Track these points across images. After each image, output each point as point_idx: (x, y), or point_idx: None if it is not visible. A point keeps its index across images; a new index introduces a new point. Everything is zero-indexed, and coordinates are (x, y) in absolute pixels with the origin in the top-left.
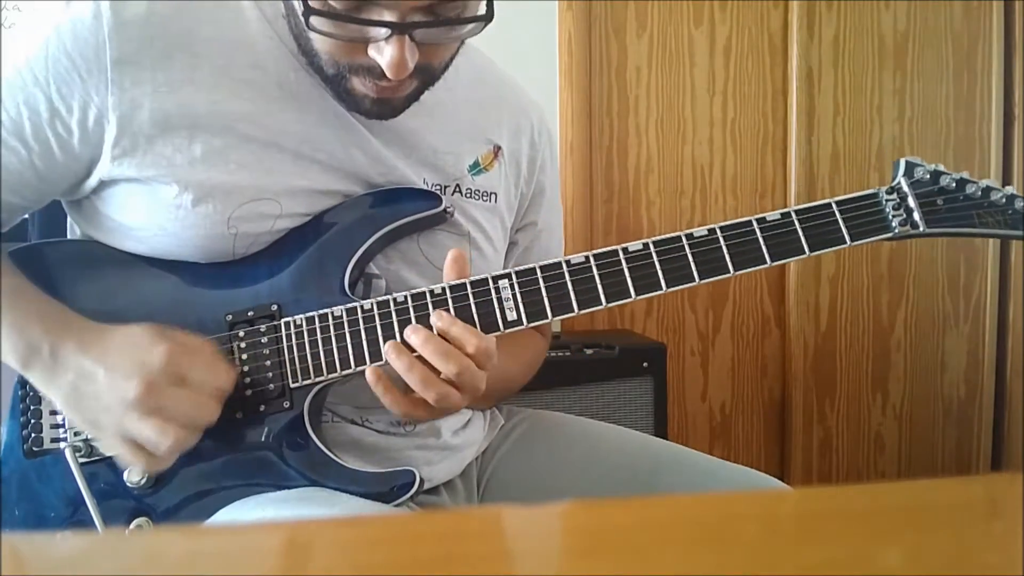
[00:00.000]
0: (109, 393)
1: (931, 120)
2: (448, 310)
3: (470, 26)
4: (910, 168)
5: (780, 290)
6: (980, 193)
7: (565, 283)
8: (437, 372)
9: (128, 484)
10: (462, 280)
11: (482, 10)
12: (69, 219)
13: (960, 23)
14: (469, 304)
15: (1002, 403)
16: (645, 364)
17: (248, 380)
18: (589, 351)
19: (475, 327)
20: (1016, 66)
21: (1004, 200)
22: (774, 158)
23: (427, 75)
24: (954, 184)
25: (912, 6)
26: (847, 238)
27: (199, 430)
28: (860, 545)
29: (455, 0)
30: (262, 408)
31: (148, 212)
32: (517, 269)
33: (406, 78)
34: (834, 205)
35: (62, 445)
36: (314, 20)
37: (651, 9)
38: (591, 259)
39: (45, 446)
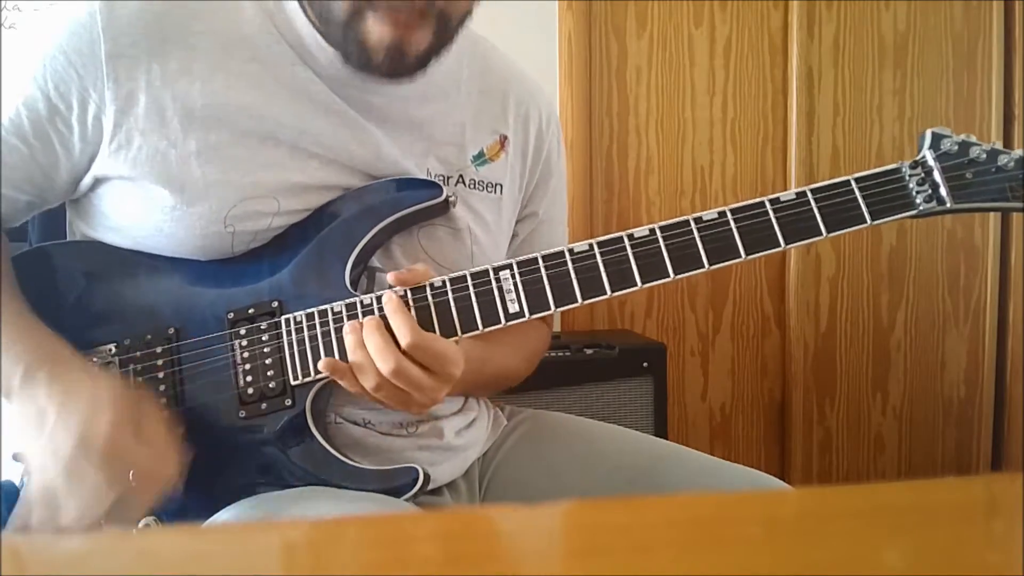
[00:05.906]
0: (48, 440)
1: (931, 120)
2: (448, 303)
3: None
4: (936, 140)
5: (780, 290)
6: (1014, 164)
7: (568, 272)
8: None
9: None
10: (462, 272)
11: None
12: (68, 219)
13: (960, 23)
14: (469, 296)
15: (1002, 403)
16: (645, 364)
17: (250, 378)
18: (589, 351)
19: (475, 320)
20: (1016, 66)
21: None
22: (774, 158)
23: (442, 26)
24: (985, 155)
25: (912, 6)
26: (867, 217)
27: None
28: (860, 545)
29: None
30: (264, 407)
31: (144, 212)
32: (518, 259)
33: (422, 20)
34: (853, 182)
35: None
36: None
37: (651, 9)
38: (595, 247)
39: None
